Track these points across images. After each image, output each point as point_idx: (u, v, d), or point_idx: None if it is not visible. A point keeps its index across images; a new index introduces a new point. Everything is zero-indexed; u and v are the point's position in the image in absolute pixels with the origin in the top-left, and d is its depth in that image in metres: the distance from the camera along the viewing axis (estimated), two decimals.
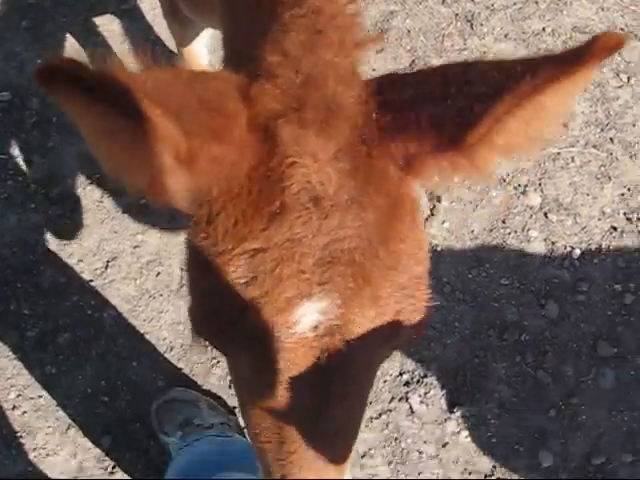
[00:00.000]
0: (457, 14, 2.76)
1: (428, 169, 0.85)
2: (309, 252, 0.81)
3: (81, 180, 2.42)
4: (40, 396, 2.17)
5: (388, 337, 0.86)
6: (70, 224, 2.35)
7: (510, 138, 0.80)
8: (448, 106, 0.81)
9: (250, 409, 0.91)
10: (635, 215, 2.48)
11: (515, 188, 2.49)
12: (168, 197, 0.83)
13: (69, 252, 2.31)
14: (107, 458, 2.11)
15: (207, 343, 0.89)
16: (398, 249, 0.84)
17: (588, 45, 0.78)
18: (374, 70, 2.59)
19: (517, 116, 0.78)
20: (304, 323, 0.81)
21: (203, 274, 0.86)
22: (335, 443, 0.90)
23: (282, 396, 0.85)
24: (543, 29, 2.76)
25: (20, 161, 2.43)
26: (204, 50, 2.03)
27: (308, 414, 0.86)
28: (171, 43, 2.44)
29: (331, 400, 0.85)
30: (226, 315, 0.83)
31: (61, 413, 2.15)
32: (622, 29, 2.78)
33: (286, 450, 0.88)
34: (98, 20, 2.70)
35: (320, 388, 0.84)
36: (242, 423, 2.14)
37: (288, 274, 0.80)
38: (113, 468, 2.10)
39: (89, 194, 2.39)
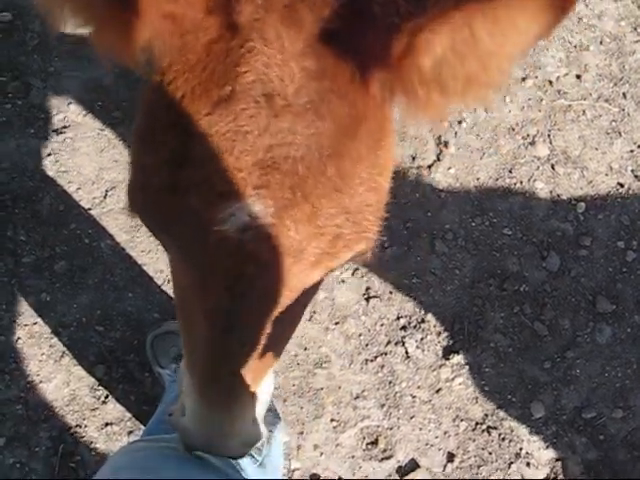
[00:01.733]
0: None
1: (380, 84, 0.79)
2: (250, 150, 0.75)
3: (82, 107, 2.36)
4: (34, 323, 2.15)
5: (323, 259, 0.81)
6: (70, 151, 2.31)
7: (437, 63, 0.73)
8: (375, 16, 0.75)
9: (178, 298, 0.89)
10: None
11: (524, 138, 2.45)
12: (115, 48, 0.78)
13: (68, 180, 2.27)
14: (100, 387, 2.10)
15: (139, 219, 0.85)
16: (350, 170, 0.78)
17: None
18: None
19: (438, 32, 0.71)
20: (231, 223, 0.76)
21: (143, 144, 0.80)
22: (245, 355, 0.84)
23: (203, 294, 0.81)
24: None
25: (20, 84, 2.37)
26: None
27: (226, 321, 0.81)
28: None
29: (250, 316, 0.81)
30: (157, 193, 0.79)
31: (55, 341, 2.13)
32: None
33: (202, 351, 0.83)
34: None
35: (239, 294, 0.79)
36: None
37: (223, 168, 0.75)
38: (106, 398, 2.10)
39: (90, 121, 2.34)
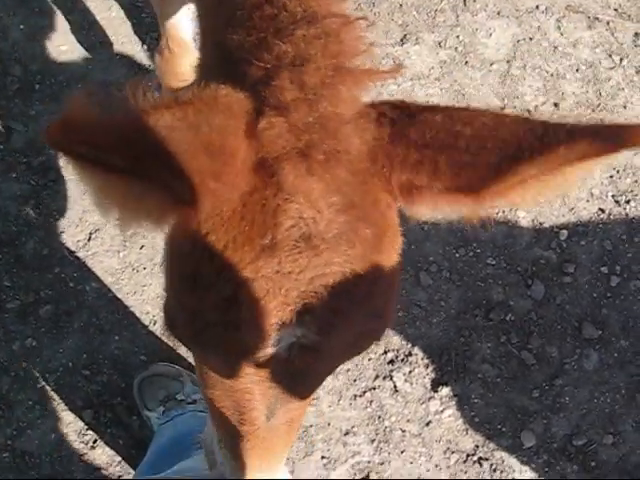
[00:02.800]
0: None
1: (426, 202, 0.89)
2: (294, 286, 0.84)
3: None
4: (21, 369, 2.14)
5: (352, 351, 0.95)
6: (52, 194, 2.31)
7: (525, 195, 0.84)
8: (474, 158, 0.83)
9: (212, 393, 0.97)
10: (623, 198, 2.47)
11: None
12: (151, 223, 0.85)
13: (51, 223, 2.27)
14: (88, 432, 2.09)
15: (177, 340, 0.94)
16: (377, 279, 0.89)
17: (626, 130, 0.80)
18: None
19: (542, 180, 0.82)
20: (280, 345, 0.86)
21: (187, 285, 0.88)
22: (286, 428, 0.97)
23: (248, 398, 0.92)
24: (536, 7, 2.73)
25: (1, 129, 2.38)
26: (187, 23, 1.97)
27: (269, 413, 0.94)
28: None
29: (290, 404, 0.93)
30: (205, 325, 0.87)
31: (42, 386, 2.12)
32: (616, 9, 2.76)
33: (243, 434, 0.96)
34: None
35: (283, 396, 0.92)
36: None
37: (273, 306, 0.84)
38: (94, 442, 2.08)
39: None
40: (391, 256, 0.92)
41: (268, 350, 0.86)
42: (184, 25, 1.94)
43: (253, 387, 0.91)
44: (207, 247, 0.85)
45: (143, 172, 0.76)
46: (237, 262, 0.84)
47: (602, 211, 2.45)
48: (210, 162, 0.80)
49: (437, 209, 0.90)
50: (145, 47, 2.52)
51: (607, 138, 0.80)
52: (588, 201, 2.46)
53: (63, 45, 2.52)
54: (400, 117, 0.88)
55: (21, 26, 2.53)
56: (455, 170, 0.84)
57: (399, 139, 0.87)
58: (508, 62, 2.61)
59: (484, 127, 0.85)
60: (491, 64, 2.60)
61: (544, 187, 0.82)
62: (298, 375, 0.90)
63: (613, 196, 2.48)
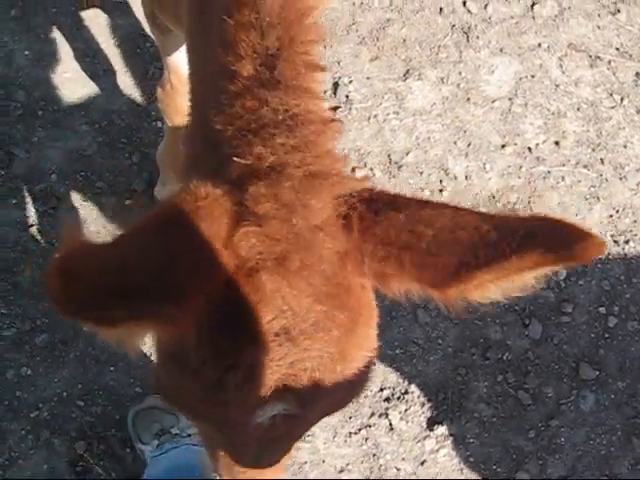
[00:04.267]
0: (454, 25, 2.74)
1: (397, 289, 0.95)
2: (276, 371, 0.92)
3: (65, 177, 2.37)
4: (14, 397, 2.12)
5: (329, 412, 1.04)
6: (52, 222, 2.31)
7: (486, 294, 0.90)
8: (434, 260, 0.89)
9: (204, 439, 1.12)
10: (622, 238, 2.48)
11: (504, 206, 2.47)
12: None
13: (50, 251, 2.27)
14: (81, 464, 2.07)
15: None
16: (354, 358, 0.97)
17: (575, 243, 0.83)
18: (368, 78, 2.57)
19: (498, 285, 0.87)
20: (265, 418, 0.95)
21: (176, 364, 0.96)
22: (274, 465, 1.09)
23: (237, 451, 1.04)
24: (539, 45, 2.75)
25: (3, 155, 2.38)
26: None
27: (256, 460, 1.05)
28: None
29: (275, 454, 1.05)
30: (195, 402, 0.96)
31: (35, 416, 2.11)
32: (617, 48, 2.78)
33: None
34: (88, 13, 2.64)
35: (268, 449, 1.02)
36: None
37: (255, 389, 0.92)
38: (86, 474, 2.06)
39: (73, 192, 2.35)
40: (366, 335, 0.99)
41: (253, 422, 0.95)
42: (183, 62, 1.95)
43: (241, 445, 1.01)
44: (194, 336, 0.91)
45: (140, 314, 0.83)
46: (224, 349, 0.91)
47: None
48: (197, 278, 0.87)
49: (410, 294, 0.96)
50: (148, 77, 2.53)
51: (559, 249, 0.83)
52: None
53: (67, 72, 2.53)
54: (367, 214, 0.94)
55: (26, 52, 2.54)
56: (418, 268, 0.91)
57: (367, 236, 0.93)
58: (510, 99, 2.63)
59: (444, 229, 0.90)
60: (493, 101, 2.61)
61: (503, 288, 0.88)
62: (280, 436, 1.00)
63: (612, 236, 2.48)
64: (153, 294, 0.83)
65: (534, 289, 0.91)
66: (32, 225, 2.30)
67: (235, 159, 0.96)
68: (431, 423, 2.20)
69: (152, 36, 2.55)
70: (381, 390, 2.21)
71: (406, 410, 2.20)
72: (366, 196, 0.96)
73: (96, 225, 2.31)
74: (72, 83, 2.51)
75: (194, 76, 1.22)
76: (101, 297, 0.80)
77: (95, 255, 0.82)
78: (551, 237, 0.85)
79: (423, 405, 2.21)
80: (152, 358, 2.18)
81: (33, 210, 2.32)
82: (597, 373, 2.31)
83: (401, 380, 2.22)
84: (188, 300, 0.87)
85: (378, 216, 0.94)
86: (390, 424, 2.18)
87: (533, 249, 0.84)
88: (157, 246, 0.86)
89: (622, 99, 2.69)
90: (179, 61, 1.92)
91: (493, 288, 0.88)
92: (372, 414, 2.18)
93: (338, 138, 1.02)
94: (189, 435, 2.02)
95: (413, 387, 2.21)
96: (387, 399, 2.20)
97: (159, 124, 2.44)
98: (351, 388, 1.00)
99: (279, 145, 0.96)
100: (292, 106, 0.98)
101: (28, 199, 2.33)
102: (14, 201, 2.33)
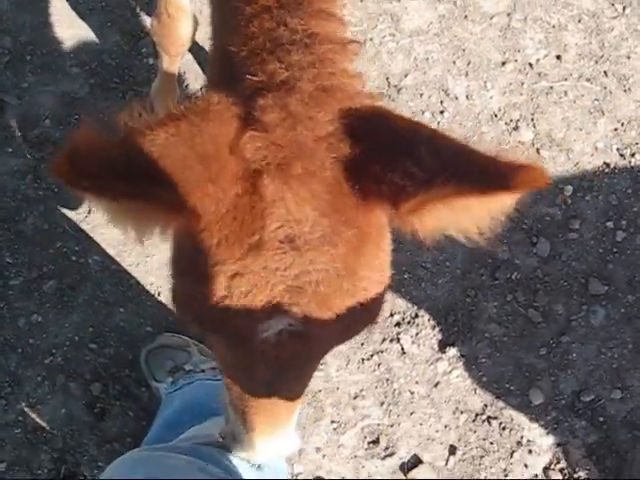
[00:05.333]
0: None
1: (383, 209, 0.96)
2: (281, 281, 0.92)
3: (59, 121, 2.33)
4: (27, 345, 2.14)
5: (342, 337, 1.04)
6: (50, 167, 2.27)
7: (438, 221, 0.91)
8: (391, 174, 0.90)
9: (221, 363, 1.13)
10: (628, 151, 2.44)
11: (507, 124, 2.43)
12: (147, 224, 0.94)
13: (50, 197, 2.25)
14: (97, 405, 2.09)
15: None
16: (362, 277, 0.96)
17: (512, 173, 0.84)
18: (361, 1, 2.50)
19: (441, 208, 0.88)
20: (270, 332, 0.95)
21: (187, 272, 0.98)
22: (287, 398, 1.08)
23: (248, 372, 1.04)
24: None
25: None
26: None
27: (267, 386, 1.05)
28: None
29: (286, 380, 1.04)
30: (205, 311, 0.96)
31: (49, 362, 2.12)
32: None
33: (249, 401, 1.08)
34: None
35: (278, 372, 1.01)
36: None
37: (260, 298, 0.93)
38: (104, 415, 2.09)
39: (68, 135, 2.31)
40: (376, 256, 0.99)
41: (259, 336, 0.95)
42: None
43: (251, 364, 1.01)
44: (202, 241, 0.93)
45: (144, 193, 0.85)
46: (227, 257, 0.92)
47: (607, 165, 2.42)
48: (205, 170, 0.89)
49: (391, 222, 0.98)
50: (137, 13, 2.46)
51: (494, 179, 0.85)
52: (592, 155, 2.42)
53: (53, 14, 2.46)
54: (364, 128, 0.95)
55: None
56: (380, 183, 0.91)
57: (359, 153, 0.94)
58: (508, 15, 2.55)
59: (408, 141, 0.91)
60: (491, 17, 2.54)
61: (451, 216, 0.89)
62: (290, 357, 0.99)
63: (618, 149, 2.44)
64: (157, 179, 0.85)
65: (488, 232, 0.92)
66: (30, 172, 2.27)
67: (248, 76, 0.97)
68: (442, 345, 2.20)
69: None
70: (391, 315, 2.21)
71: (417, 334, 2.20)
72: (367, 111, 0.97)
73: None
74: (59, 25, 2.44)
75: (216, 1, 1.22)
76: (106, 171, 0.81)
77: (104, 146, 0.84)
78: (493, 167, 0.86)
79: (434, 328, 2.21)
80: (161, 296, 2.18)
81: (30, 157, 2.29)
82: (606, 288, 2.30)
83: (410, 304, 2.22)
84: (193, 194, 0.88)
85: (370, 131, 0.95)
86: (402, 348, 2.19)
87: (474, 174, 0.86)
88: (165, 142, 0.86)
89: (624, 8, 2.61)
90: None
91: (441, 213, 0.89)
92: (383, 339, 2.19)
93: (355, 59, 1.02)
94: (202, 371, 2.03)
95: (423, 311, 2.22)
96: (398, 324, 2.21)
97: (151, 61, 2.39)
98: (360, 312, 0.99)
99: (294, 61, 0.96)
100: (312, 26, 0.99)
101: (24, 146, 2.30)
102: (9, 149, 2.29)
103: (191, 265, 0.96)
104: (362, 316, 1.01)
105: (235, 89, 0.98)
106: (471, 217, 0.90)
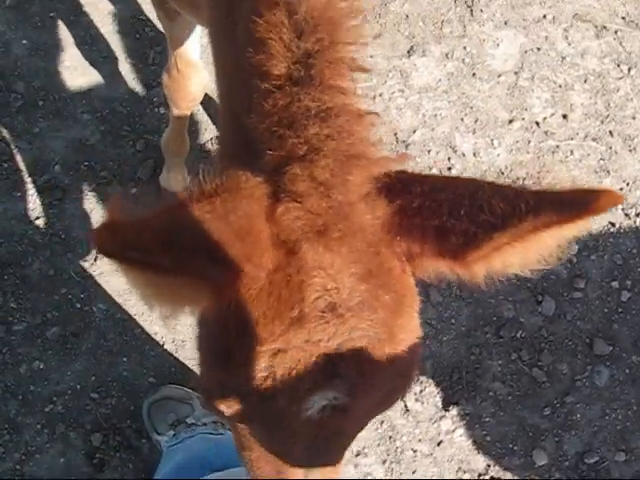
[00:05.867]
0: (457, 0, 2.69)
1: (426, 269, 0.95)
2: (325, 352, 0.90)
3: (69, 167, 2.34)
4: (28, 392, 2.12)
5: (380, 409, 1.02)
6: (58, 214, 2.28)
7: (506, 262, 0.90)
8: (454, 225, 0.90)
9: (250, 453, 1.04)
10: (633, 211, 2.45)
11: (513, 181, 2.44)
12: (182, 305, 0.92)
13: (57, 243, 2.25)
14: (97, 456, 2.07)
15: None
16: (400, 340, 0.95)
17: (590, 198, 0.85)
18: (371, 57, 2.53)
19: (516, 247, 0.88)
20: (314, 408, 0.92)
21: (220, 359, 0.94)
22: (325, 469, 1.04)
23: (283, 452, 1.00)
24: (544, 16, 2.70)
25: (5, 147, 2.35)
26: (195, 43, 1.93)
27: (304, 463, 1.00)
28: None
29: (326, 457, 1.00)
30: (239, 397, 0.93)
31: (50, 410, 2.10)
32: (623, 17, 2.73)
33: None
34: None
35: (317, 452, 0.98)
36: None
37: (305, 371, 0.90)
38: (103, 467, 2.06)
39: (77, 182, 2.32)
40: (411, 318, 0.97)
41: (302, 414, 0.92)
42: (192, 45, 1.91)
43: (289, 444, 0.97)
44: (238, 323, 0.91)
45: (185, 267, 0.84)
46: (268, 335, 0.89)
47: (612, 225, 2.43)
48: (241, 246, 0.88)
49: (439, 273, 0.96)
50: (149, 62, 2.49)
51: (572, 206, 0.86)
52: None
53: (66, 60, 2.49)
54: (396, 189, 0.95)
55: (24, 41, 2.50)
56: (439, 237, 0.91)
57: (396, 211, 0.94)
58: (516, 73, 2.59)
59: (464, 194, 0.91)
60: (499, 75, 2.58)
61: (522, 253, 0.89)
62: (331, 435, 0.96)
63: (623, 209, 2.46)
64: (203, 254, 0.84)
65: (558, 259, 0.91)
66: (38, 217, 2.28)
67: (269, 152, 0.97)
68: (446, 403, 2.19)
69: (153, 21, 2.51)
70: None
71: (421, 391, 2.19)
72: (398, 175, 0.97)
73: (101, 215, 2.28)
74: (72, 71, 2.47)
75: (222, 72, 1.21)
76: (148, 243, 0.81)
77: (145, 219, 0.83)
78: (567, 196, 0.87)
79: (438, 385, 2.20)
80: (166, 347, 2.17)
81: (38, 202, 2.30)
82: (611, 348, 2.30)
83: None
84: (232, 272, 0.87)
85: (404, 189, 0.95)
86: (405, 406, 2.17)
87: (549, 207, 0.86)
88: (202, 219, 0.86)
89: (629, 69, 2.65)
90: (187, 45, 1.89)
91: (513, 253, 0.88)
92: None
93: (373, 129, 1.02)
94: (204, 424, 2.01)
95: (427, 368, 2.20)
96: None
97: (162, 110, 2.41)
98: (398, 378, 0.97)
99: (312, 135, 0.96)
100: (325, 101, 0.98)
101: (33, 191, 2.31)
102: (19, 194, 2.30)
103: (224, 349, 0.93)
104: (399, 382, 0.99)
105: (256, 164, 0.98)
106: (542, 249, 0.89)
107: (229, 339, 0.92)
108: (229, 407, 0.95)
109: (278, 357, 0.90)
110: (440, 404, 2.19)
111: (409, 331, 0.97)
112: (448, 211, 0.91)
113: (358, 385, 0.92)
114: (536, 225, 0.85)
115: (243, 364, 0.91)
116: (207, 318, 0.96)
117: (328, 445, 0.98)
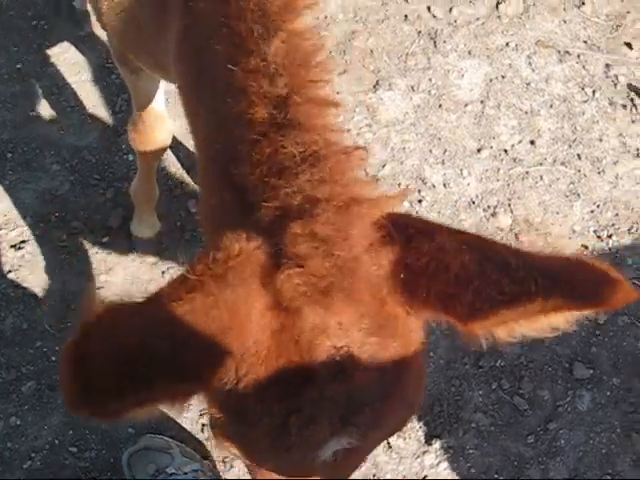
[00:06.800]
0: (420, 32, 2.72)
1: (427, 319, 0.98)
2: (337, 408, 0.91)
3: (40, 219, 2.34)
4: (5, 449, 2.09)
5: (389, 435, 1.07)
6: (30, 267, 2.27)
7: (511, 333, 0.93)
8: (460, 294, 0.90)
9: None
10: (605, 232, 2.47)
11: (485, 210, 2.46)
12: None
13: (30, 297, 2.23)
14: None
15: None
16: (409, 387, 0.97)
17: (604, 293, 0.86)
18: (338, 93, 2.55)
19: (522, 324, 0.90)
20: (327, 454, 0.95)
21: (235, 417, 0.95)
22: None
23: None
24: (507, 44, 2.74)
25: None
26: (160, 95, 1.92)
27: None
28: None
29: None
30: (256, 450, 0.97)
31: (27, 466, 2.07)
32: (585, 41, 2.77)
33: None
34: (52, 49, 2.61)
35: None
36: (217, 467, 2.09)
37: (319, 427, 0.91)
38: None
39: (49, 234, 2.31)
40: (417, 357, 1.00)
41: (316, 461, 0.95)
42: (157, 97, 1.90)
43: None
44: (250, 386, 0.91)
45: (162, 389, 0.84)
46: (282, 395, 0.90)
47: (585, 247, 2.44)
48: (226, 338, 0.87)
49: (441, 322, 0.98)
50: (116, 110, 2.50)
51: (585, 297, 0.86)
52: (570, 238, 2.45)
53: (33, 111, 2.49)
54: (400, 242, 0.94)
55: None
56: (443, 300, 0.92)
57: (398, 264, 0.94)
58: (482, 102, 2.61)
59: (472, 261, 0.91)
60: (465, 105, 2.60)
61: (527, 328, 0.91)
62: (342, 468, 1.01)
63: (595, 231, 2.47)
64: (168, 377, 0.84)
65: (564, 330, 0.92)
66: (10, 271, 2.27)
67: (264, 204, 0.96)
68: (429, 437, 2.18)
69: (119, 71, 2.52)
70: None
71: None
72: (399, 222, 0.96)
73: (74, 266, 2.27)
74: (39, 122, 2.48)
75: (199, 124, 1.19)
76: (115, 393, 0.81)
77: (111, 338, 0.83)
78: (579, 284, 0.88)
79: (419, 420, 2.19)
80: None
81: (10, 256, 2.28)
82: (591, 371, 2.29)
83: None
84: (224, 359, 0.87)
85: (408, 243, 0.94)
86: (388, 442, 2.15)
87: (559, 292, 0.86)
88: (179, 321, 0.85)
89: (594, 92, 2.68)
90: (150, 98, 1.89)
91: (519, 327, 0.90)
92: None
93: (364, 164, 1.02)
94: (185, 473, 1.99)
95: None
96: None
97: (131, 157, 2.41)
98: (408, 408, 1.01)
99: (304, 182, 0.95)
100: (310, 144, 0.97)
101: (4, 244, 2.30)
102: None
103: (239, 409, 0.94)
104: (407, 413, 1.03)
105: (250, 218, 0.97)
106: (549, 325, 0.91)
107: (242, 399, 0.92)
108: (246, 458, 1.00)
109: (292, 417, 0.91)
110: (423, 438, 2.18)
111: (417, 368, 0.99)
112: (455, 280, 0.91)
113: (370, 428, 0.95)
114: (545, 308, 0.86)
115: (258, 422, 0.92)
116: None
117: (338, 476, 1.03)
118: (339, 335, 0.91)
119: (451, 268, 0.91)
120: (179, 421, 2.11)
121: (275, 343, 0.90)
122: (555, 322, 0.90)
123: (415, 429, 2.18)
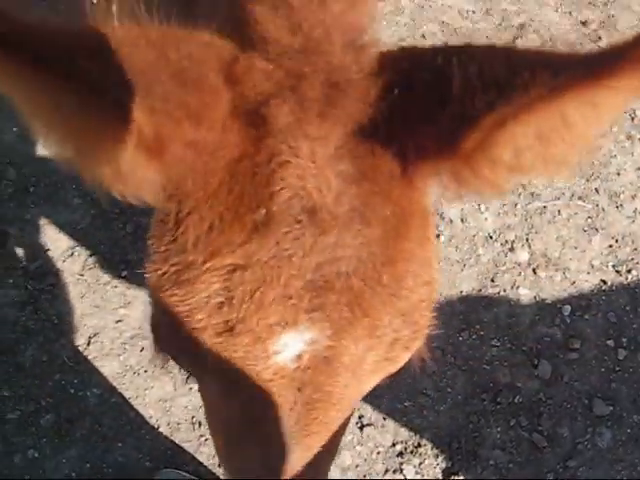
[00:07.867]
0: None
1: (429, 175, 0.72)
2: (298, 273, 0.67)
3: (61, 252, 2.36)
4: None
5: (382, 366, 0.76)
6: (50, 299, 2.29)
7: (517, 152, 0.65)
8: (446, 101, 0.66)
9: (215, 435, 0.82)
10: (624, 267, 2.46)
11: (502, 244, 2.46)
12: (132, 190, 0.68)
13: (50, 329, 2.25)
14: None
15: (169, 360, 0.77)
16: (404, 271, 0.72)
17: (626, 46, 0.60)
18: None
19: (524, 124, 0.63)
20: (285, 354, 0.68)
21: (168, 285, 0.71)
22: (310, 470, 0.78)
23: (253, 428, 0.73)
24: None
25: None
26: None
27: (283, 448, 0.74)
28: None
29: (310, 435, 0.74)
30: (193, 335, 0.70)
31: None
32: None
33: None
34: None
35: (299, 424, 0.72)
36: None
37: (271, 298, 0.67)
38: None
39: (69, 267, 2.34)
40: (421, 245, 0.74)
41: (270, 360, 0.68)
42: None
43: (259, 419, 0.71)
44: (189, 230, 0.69)
45: (87, 80, 0.61)
46: (224, 245, 0.67)
47: (604, 282, 2.43)
48: (183, 95, 0.64)
49: (447, 185, 0.72)
50: None
51: (604, 60, 0.62)
52: (589, 273, 2.44)
53: None
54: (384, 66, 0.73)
55: (14, 129, 2.54)
56: (431, 120, 0.69)
57: (389, 85, 0.71)
58: None
59: (442, 64, 0.70)
60: None
61: (537, 139, 0.65)
62: (314, 402, 0.71)
63: (614, 266, 2.46)
64: (113, 75, 0.62)
65: (585, 158, 0.67)
66: (30, 303, 2.29)
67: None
68: (447, 474, 2.16)
69: None
70: (393, 445, 2.17)
71: (420, 463, 2.16)
72: (398, 52, 0.76)
73: (93, 299, 2.29)
74: None
75: None
76: (54, 44, 0.62)
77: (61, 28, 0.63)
78: (598, 55, 0.63)
79: (437, 456, 2.17)
80: (161, 430, 2.16)
81: (30, 288, 2.31)
82: (611, 408, 2.27)
83: (413, 433, 2.18)
84: (175, 120, 0.64)
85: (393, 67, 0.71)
86: (405, 479, 2.14)
87: (573, 65, 0.62)
88: (134, 42, 0.64)
89: (611, 126, 2.68)
90: None
91: (522, 133, 0.64)
92: (386, 470, 2.15)
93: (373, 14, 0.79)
94: None
95: (426, 439, 2.18)
96: (400, 454, 2.17)
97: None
98: (404, 326, 0.74)
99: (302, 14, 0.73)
100: None
101: (25, 278, 2.32)
102: (11, 280, 2.32)
103: (174, 268, 0.70)
104: (405, 331, 0.75)
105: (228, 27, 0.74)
106: (565, 132, 0.65)
107: (175, 252, 0.70)
108: (179, 351, 0.74)
109: (236, 275, 0.67)
110: (441, 475, 2.16)
111: (418, 262, 0.73)
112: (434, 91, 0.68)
113: (347, 324, 0.69)
114: (554, 86, 0.61)
115: (192, 286, 0.69)
116: (154, 237, 0.75)
117: (310, 419, 0.73)
118: (311, 171, 0.66)
119: (419, 82, 0.69)
120: (196, 455, 2.11)
121: (229, 174, 0.67)
122: (569, 130, 0.64)
123: (433, 466, 2.17)
